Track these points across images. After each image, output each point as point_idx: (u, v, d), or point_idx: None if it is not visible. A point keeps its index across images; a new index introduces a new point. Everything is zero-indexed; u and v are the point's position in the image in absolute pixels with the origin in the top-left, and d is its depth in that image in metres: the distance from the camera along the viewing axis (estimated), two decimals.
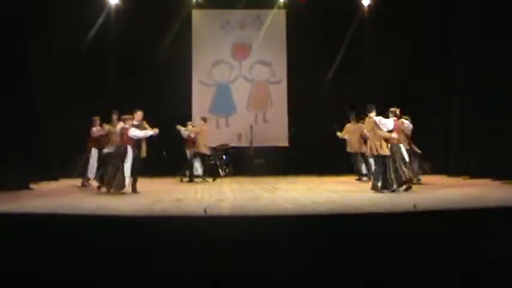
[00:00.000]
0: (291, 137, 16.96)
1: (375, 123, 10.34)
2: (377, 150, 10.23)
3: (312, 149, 15.93)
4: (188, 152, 13.74)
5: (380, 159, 10.30)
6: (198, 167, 14.04)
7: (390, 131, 10.36)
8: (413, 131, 11.73)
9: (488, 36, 12.74)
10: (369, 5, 16.54)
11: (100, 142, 11.79)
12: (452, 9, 14.57)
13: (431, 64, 15.17)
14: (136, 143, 10.54)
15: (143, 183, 12.84)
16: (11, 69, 11.20)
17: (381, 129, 10.29)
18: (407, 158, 10.54)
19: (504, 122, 12.07)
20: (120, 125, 10.66)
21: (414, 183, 11.04)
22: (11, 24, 11.22)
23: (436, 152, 15.23)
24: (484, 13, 12.99)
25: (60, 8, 13.69)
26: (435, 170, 14.32)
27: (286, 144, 17.14)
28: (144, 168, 14.89)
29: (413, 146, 11.68)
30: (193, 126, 14.03)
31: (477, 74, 13.29)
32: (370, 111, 10.55)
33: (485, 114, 12.74)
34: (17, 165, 10.95)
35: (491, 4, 12.64)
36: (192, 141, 13.67)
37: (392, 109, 10.79)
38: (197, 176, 13.89)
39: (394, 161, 10.24)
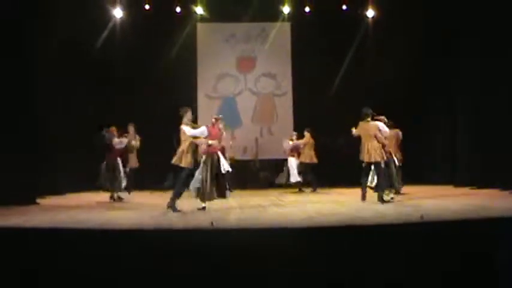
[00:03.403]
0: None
1: (378, 129, 10.47)
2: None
3: (318, 161, 15.90)
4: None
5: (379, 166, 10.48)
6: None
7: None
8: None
9: (491, 39, 12.79)
10: (373, 17, 16.62)
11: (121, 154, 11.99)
12: (454, 16, 14.63)
13: (435, 71, 15.32)
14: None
15: (150, 197, 12.91)
16: (16, 78, 11.26)
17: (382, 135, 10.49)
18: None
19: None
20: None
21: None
22: (11, 26, 11.27)
23: (441, 161, 15.27)
24: (486, 17, 13.06)
25: (55, 10, 13.66)
26: (442, 180, 14.32)
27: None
28: (150, 182, 15.10)
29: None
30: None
31: (481, 79, 13.32)
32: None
33: (492, 120, 12.73)
34: (23, 180, 10.95)
35: (493, 9, 12.70)
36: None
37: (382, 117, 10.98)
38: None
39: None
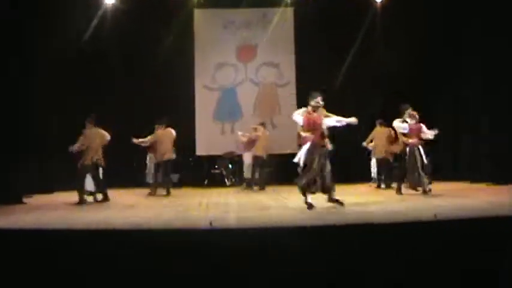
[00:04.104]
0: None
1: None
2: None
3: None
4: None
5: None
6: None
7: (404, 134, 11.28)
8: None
9: (499, 27, 12.97)
10: (381, 1, 16.48)
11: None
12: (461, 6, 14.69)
13: (446, 61, 15.31)
14: None
15: (143, 194, 12.86)
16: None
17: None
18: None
19: None
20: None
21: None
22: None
23: (456, 156, 15.20)
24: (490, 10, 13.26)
25: (55, 10, 13.74)
26: (456, 176, 14.27)
27: (296, 151, 16.99)
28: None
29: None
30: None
31: (490, 75, 13.45)
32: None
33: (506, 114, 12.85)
34: (9, 178, 10.95)
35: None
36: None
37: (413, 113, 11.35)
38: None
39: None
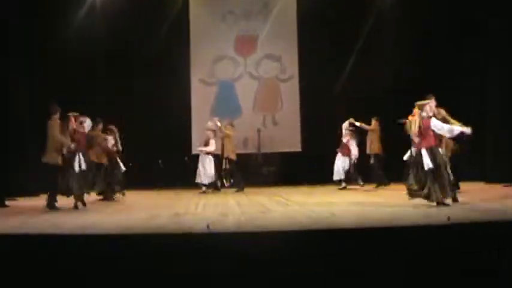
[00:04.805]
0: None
1: None
2: None
3: (329, 155, 15.80)
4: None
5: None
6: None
7: None
8: None
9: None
10: None
11: None
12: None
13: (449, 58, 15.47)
14: None
15: (136, 196, 12.86)
16: None
17: None
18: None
19: None
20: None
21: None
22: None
23: (470, 155, 15.21)
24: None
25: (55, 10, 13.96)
26: (471, 177, 14.27)
27: (299, 149, 17.06)
28: (138, 180, 15.04)
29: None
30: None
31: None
32: None
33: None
34: None
35: None
36: None
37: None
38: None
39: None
